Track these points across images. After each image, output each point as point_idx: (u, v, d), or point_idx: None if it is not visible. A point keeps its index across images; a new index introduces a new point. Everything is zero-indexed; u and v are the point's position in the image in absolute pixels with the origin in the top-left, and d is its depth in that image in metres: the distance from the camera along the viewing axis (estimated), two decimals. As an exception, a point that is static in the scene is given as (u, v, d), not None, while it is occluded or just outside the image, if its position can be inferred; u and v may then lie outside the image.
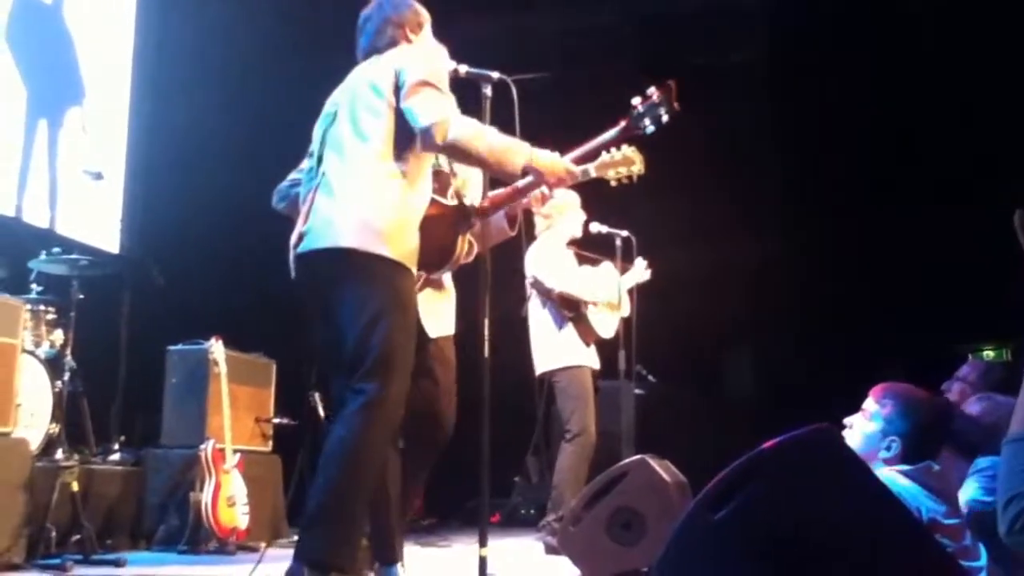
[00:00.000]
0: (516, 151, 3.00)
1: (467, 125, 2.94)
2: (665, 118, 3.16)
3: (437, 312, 3.41)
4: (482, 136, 2.95)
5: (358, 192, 2.95)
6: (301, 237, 3.00)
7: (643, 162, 3.25)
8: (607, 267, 5.44)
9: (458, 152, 2.99)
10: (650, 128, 3.18)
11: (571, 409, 5.13)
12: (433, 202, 3.17)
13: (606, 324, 5.36)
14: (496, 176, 3.19)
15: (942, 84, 7.34)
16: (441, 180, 3.26)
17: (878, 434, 2.94)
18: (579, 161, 3.20)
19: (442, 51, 3.35)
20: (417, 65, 2.99)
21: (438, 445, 3.33)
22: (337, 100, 3.13)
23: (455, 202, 3.29)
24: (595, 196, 4.88)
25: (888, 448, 2.91)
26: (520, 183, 3.18)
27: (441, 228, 3.21)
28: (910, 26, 7.43)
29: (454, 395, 3.34)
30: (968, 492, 3.14)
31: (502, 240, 3.52)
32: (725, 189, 7.88)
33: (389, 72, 3.01)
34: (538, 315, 5.30)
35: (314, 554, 2.76)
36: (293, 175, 3.33)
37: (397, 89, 2.97)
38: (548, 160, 3.07)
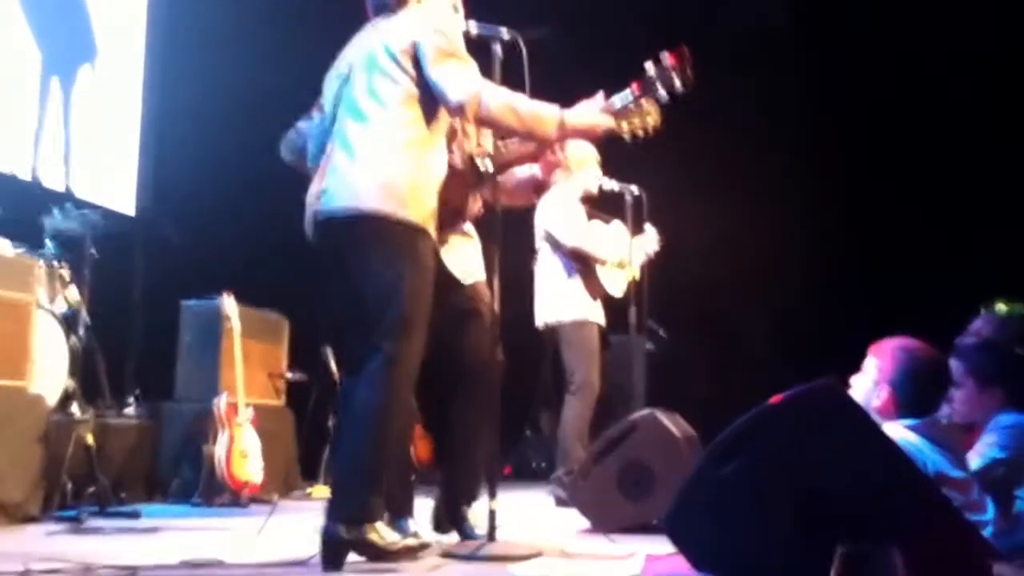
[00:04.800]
0: (547, 119, 3.05)
1: (497, 98, 3.00)
2: (679, 87, 3.11)
3: (467, 259, 3.42)
4: (513, 108, 3.00)
5: (378, 156, 2.97)
6: (319, 196, 3.01)
7: (659, 113, 3.18)
8: (617, 226, 5.40)
9: (490, 125, 3.13)
10: (663, 98, 3.13)
11: (575, 362, 5.14)
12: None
13: (615, 281, 5.34)
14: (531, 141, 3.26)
15: (966, 51, 7.21)
16: (448, 134, 3.25)
17: (872, 385, 2.97)
18: None
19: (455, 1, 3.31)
20: (434, 36, 3.01)
21: (494, 390, 3.28)
22: (351, 60, 3.12)
23: (462, 156, 3.29)
24: (605, 151, 4.84)
25: (878, 397, 2.94)
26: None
27: (452, 188, 3.21)
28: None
29: (498, 338, 3.28)
30: (984, 446, 3.16)
31: (522, 205, 3.50)
32: (740, 142, 7.80)
33: (405, 40, 3.01)
34: (547, 265, 5.27)
35: (350, 511, 2.85)
36: (301, 124, 3.30)
37: (415, 59, 2.99)
38: (582, 119, 3.11)
